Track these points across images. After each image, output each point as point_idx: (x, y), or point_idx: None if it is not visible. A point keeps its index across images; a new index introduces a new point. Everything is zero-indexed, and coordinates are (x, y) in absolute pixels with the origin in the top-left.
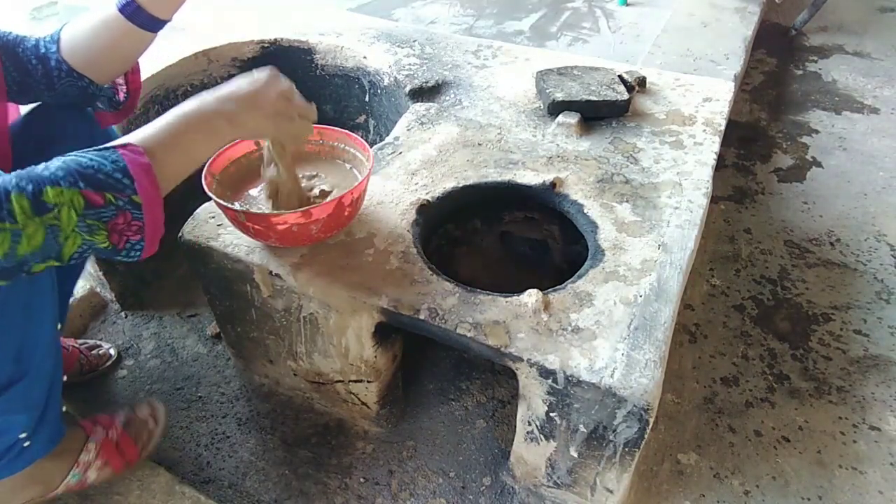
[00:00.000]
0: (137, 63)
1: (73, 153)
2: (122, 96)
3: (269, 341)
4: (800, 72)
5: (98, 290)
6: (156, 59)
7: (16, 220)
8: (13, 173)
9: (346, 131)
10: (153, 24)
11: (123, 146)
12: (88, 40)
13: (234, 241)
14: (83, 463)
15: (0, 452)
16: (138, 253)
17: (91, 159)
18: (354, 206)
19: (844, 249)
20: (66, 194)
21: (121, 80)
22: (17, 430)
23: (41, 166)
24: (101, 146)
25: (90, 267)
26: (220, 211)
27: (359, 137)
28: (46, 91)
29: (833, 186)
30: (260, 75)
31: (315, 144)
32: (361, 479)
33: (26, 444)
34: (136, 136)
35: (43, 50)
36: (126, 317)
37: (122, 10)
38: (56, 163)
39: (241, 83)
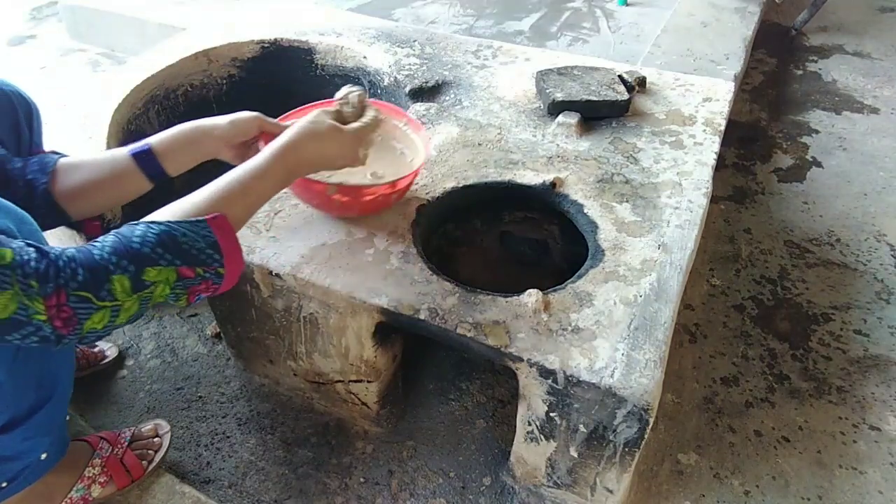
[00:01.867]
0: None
1: (165, 221)
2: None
3: (269, 341)
4: (800, 72)
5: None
6: (156, 59)
7: (116, 298)
8: (109, 244)
9: (397, 107)
10: (159, 176)
11: (213, 218)
12: (88, 175)
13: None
14: (88, 478)
15: (19, 471)
16: (199, 301)
17: (185, 234)
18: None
19: (844, 249)
20: (164, 272)
21: None
22: (40, 451)
23: (137, 235)
24: (192, 218)
25: None
26: None
27: (409, 114)
28: (20, 205)
29: (833, 186)
30: (312, 126)
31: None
32: (361, 479)
33: (43, 456)
34: (213, 197)
35: (31, 177)
36: None
37: (135, 154)
38: (152, 235)
39: (301, 135)
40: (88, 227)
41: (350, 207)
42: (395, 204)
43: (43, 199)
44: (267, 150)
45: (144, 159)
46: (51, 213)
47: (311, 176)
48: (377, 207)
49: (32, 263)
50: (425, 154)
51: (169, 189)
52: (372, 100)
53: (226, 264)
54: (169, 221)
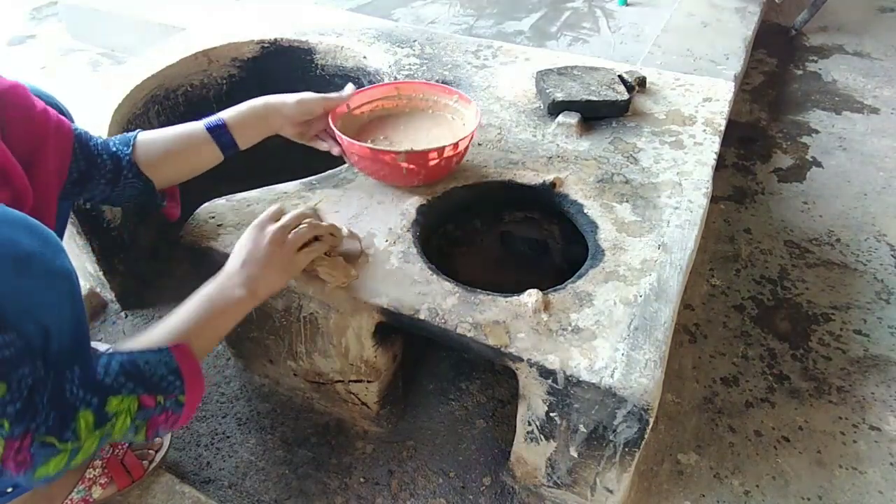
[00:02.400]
0: None
1: (126, 351)
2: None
3: (269, 341)
4: (800, 72)
5: (98, 290)
6: (156, 59)
7: (79, 437)
8: (78, 379)
9: (447, 87)
10: (231, 148)
11: (174, 346)
12: (167, 146)
13: (234, 242)
14: (88, 479)
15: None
16: (156, 437)
17: (147, 361)
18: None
19: (844, 249)
20: (125, 401)
21: None
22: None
23: (101, 366)
24: (153, 347)
25: (90, 267)
26: (225, 205)
27: (459, 91)
28: (107, 186)
29: (833, 186)
30: (251, 233)
31: (419, 100)
32: (361, 479)
33: None
34: (174, 331)
35: (114, 149)
36: (126, 317)
37: (210, 128)
38: (115, 364)
39: (240, 248)
40: (169, 208)
41: (416, 174)
42: (397, 202)
43: (129, 168)
44: (226, 282)
45: (218, 132)
46: (137, 181)
47: (379, 146)
48: (440, 173)
49: (17, 405)
50: (476, 120)
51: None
52: (420, 81)
53: (186, 391)
54: (132, 350)
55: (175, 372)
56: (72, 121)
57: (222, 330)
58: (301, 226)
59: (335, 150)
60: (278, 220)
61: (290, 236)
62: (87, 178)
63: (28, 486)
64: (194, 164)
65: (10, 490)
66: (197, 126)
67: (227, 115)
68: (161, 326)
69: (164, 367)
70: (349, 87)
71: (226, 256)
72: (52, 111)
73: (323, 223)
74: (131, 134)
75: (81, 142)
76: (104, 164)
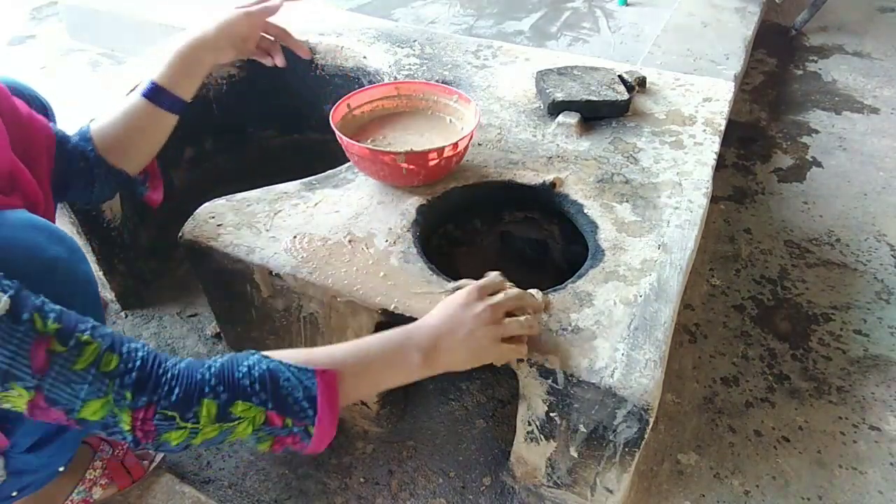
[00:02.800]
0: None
1: (276, 361)
2: (141, 175)
3: (269, 341)
4: (800, 72)
5: (98, 290)
6: (156, 59)
7: (199, 422)
8: (217, 368)
9: (447, 87)
10: (177, 105)
11: (322, 372)
12: (118, 131)
13: (233, 241)
14: (89, 480)
15: (31, 482)
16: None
17: (289, 378)
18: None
19: (844, 249)
20: (252, 410)
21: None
22: (59, 465)
23: (244, 364)
24: (302, 365)
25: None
26: (233, 203)
27: (459, 91)
28: (85, 188)
29: (833, 186)
30: (464, 297)
31: (419, 100)
32: (361, 479)
33: (61, 469)
34: (334, 358)
35: (80, 148)
36: (126, 317)
37: (148, 95)
38: (257, 371)
39: (445, 310)
40: (151, 194)
41: (416, 174)
42: (397, 202)
43: (99, 165)
44: (411, 337)
45: (158, 96)
46: (111, 175)
47: (379, 146)
48: (440, 173)
49: (134, 374)
50: (475, 120)
51: (169, 193)
52: (422, 81)
53: (316, 425)
54: (281, 361)
55: (311, 400)
56: (51, 111)
57: (381, 382)
58: (518, 316)
59: (279, 61)
60: (498, 291)
61: (503, 323)
62: (69, 182)
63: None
64: (153, 138)
65: (14, 494)
66: (136, 98)
67: (157, 74)
68: (327, 348)
69: (302, 392)
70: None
71: (225, 256)
72: (35, 114)
73: (538, 313)
74: (84, 128)
75: (61, 144)
76: (80, 165)
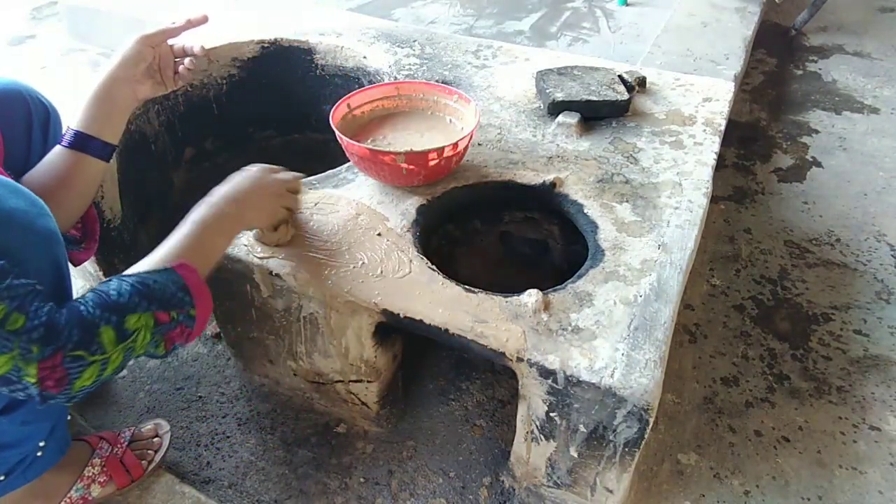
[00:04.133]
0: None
1: (135, 274)
2: (78, 234)
3: (269, 341)
4: (800, 72)
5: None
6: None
7: (105, 350)
8: (91, 299)
9: (447, 87)
10: (103, 150)
11: (178, 265)
12: (42, 187)
13: (233, 241)
14: (87, 478)
15: (16, 463)
16: (175, 351)
17: (156, 281)
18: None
19: (844, 249)
20: (143, 318)
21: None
22: (37, 438)
23: (113, 291)
24: (158, 267)
25: (90, 267)
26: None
27: (459, 91)
28: None
29: (833, 186)
30: (253, 173)
31: (419, 100)
32: (361, 479)
33: (39, 453)
34: (172, 251)
35: None
36: None
37: (71, 145)
38: (126, 288)
39: (237, 182)
40: (85, 251)
41: (416, 175)
42: (397, 202)
43: None
44: (218, 200)
45: (83, 145)
46: None
47: (379, 146)
48: (440, 173)
49: (41, 330)
50: (475, 120)
51: (169, 193)
52: (423, 81)
53: (196, 304)
54: (139, 272)
55: (183, 288)
56: (54, 115)
57: (217, 251)
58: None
59: (186, 79)
60: (275, 173)
61: (286, 189)
62: None
63: (65, 405)
64: (83, 189)
65: (1, 478)
66: (58, 151)
67: (75, 122)
68: (161, 250)
69: (173, 285)
70: (180, 20)
71: (225, 256)
72: None
73: (300, 193)
74: None
75: None
76: None
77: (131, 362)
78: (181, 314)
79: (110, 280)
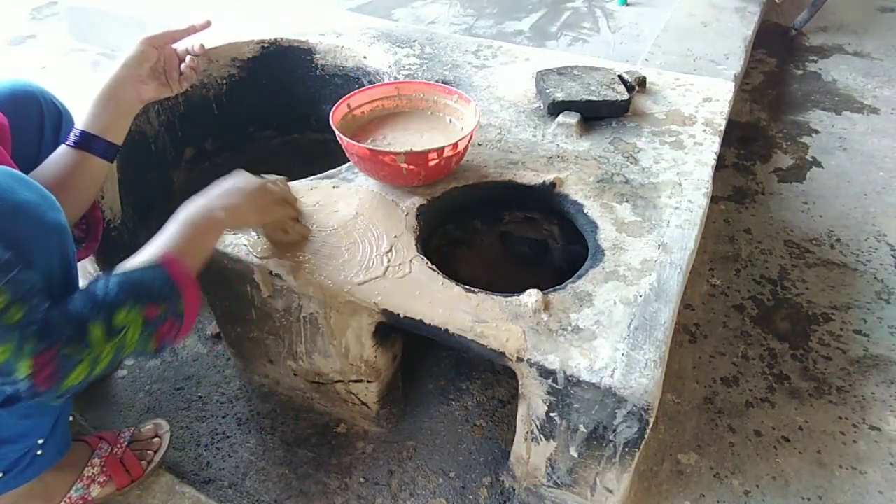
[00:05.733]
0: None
1: (121, 272)
2: (81, 234)
3: (269, 341)
4: (800, 72)
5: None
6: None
7: (94, 348)
8: (79, 299)
9: (447, 87)
10: (109, 150)
11: (164, 261)
12: (49, 182)
13: (234, 241)
14: (87, 478)
15: (15, 460)
16: (165, 349)
17: (141, 277)
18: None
19: (844, 249)
20: (131, 314)
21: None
22: (38, 435)
23: (99, 290)
24: (144, 265)
25: (90, 266)
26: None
27: (459, 91)
28: None
29: (833, 186)
30: (238, 175)
31: (419, 100)
32: (361, 479)
33: (39, 452)
34: (159, 248)
35: None
36: None
37: (77, 144)
38: (113, 284)
39: (225, 183)
40: (86, 249)
41: (416, 175)
42: (397, 202)
43: None
44: (210, 204)
45: (88, 144)
46: None
47: (379, 146)
48: (440, 173)
49: (38, 326)
50: (475, 120)
51: (169, 193)
52: (423, 81)
53: (184, 298)
54: (125, 271)
55: (169, 283)
56: (62, 116)
57: (205, 248)
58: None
59: (191, 80)
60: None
61: (272, 188)
62: None
63: (53, 403)
64: (86, 189)
65: (0, 475)
66: (63, 151)
67: (82, 122)
68: (148, 249)
69: (159, 280)
70: (190, 23)
71: (225, 256)
72: None
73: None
74: None
75: None
76: None
77: (129, 362)
78: (169, 309)
79: (97, 279)
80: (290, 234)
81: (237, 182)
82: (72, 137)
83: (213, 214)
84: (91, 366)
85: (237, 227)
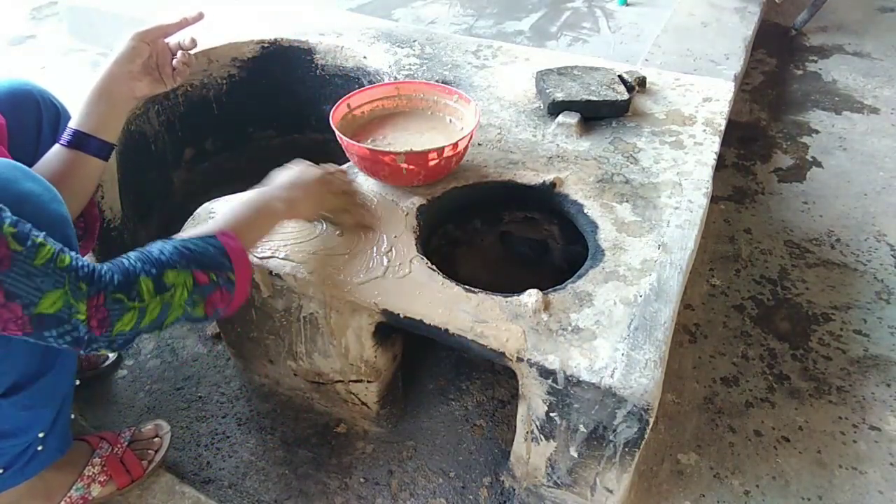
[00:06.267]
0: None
1: (179, 239)
2: (80, 232)
3: (269, 341)
4: (800, 72)
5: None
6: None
7: (143, 299)
8: (134, 255)
9: (447, 87)
10: (103, 149)
11: (221, 233)
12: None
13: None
14: (87, 477)
15: (16, 455)
16: (217, 317)
17: (196, 244)
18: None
19: (844, 249)
20: (181, 276)
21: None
22: (38, 428)
23: (155, 250)
24: (201, 234)
25: None
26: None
27: (458, 91)
28: None
29: (833, 186)
30: (299, 165)
31: (419, 100)
32: (361, 479)
33: (40, 447)
34: (217, 224)
35: None
36: None
37: (68, 143)
38: (168, 248)
39: (287, 174)
40: (82, 248)
41: (416, 175)
42: (397, 202)
43: None
44: (272, 194)
45: (82, 143)
46: None
47: (379, 146)
48: (440, 173)
49: (85, 269)
50: (475, 120)
51: (169, 193)
52: (423, 81)
53: (236, 270)
54: (182, 238)
55: (223, 253)
56: (60, 116)
57: (260, 233)
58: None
59: (184, 75)
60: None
61: (333, 178)
62: None
63: (109, 348)
64: (80, 189)
65: (0, 471)
66: (57, 151)
67: (74, 121)
68: (208, 224)
69: (213, 249)
70: (180, 16)
71: None
72: None
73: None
74: None
75: None
76: None
77: (130, 362)
78: (221, 277)
79: (154, 243)
80: (355, 219)
81: (298, 174)
82: (65, 137)
83: (273, 205)
84: (139, 316)
85: (294, 219)
